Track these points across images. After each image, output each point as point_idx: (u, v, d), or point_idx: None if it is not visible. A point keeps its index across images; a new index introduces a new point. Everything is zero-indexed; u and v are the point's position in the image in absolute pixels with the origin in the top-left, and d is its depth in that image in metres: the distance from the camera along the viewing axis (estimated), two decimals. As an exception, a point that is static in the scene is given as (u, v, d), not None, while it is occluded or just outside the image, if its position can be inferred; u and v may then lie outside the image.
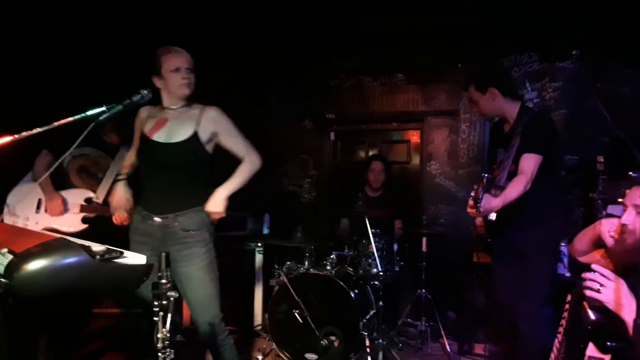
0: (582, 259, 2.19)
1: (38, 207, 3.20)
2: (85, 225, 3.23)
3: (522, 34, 4.20)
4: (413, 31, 4.48)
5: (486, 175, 2.23)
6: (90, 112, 1.90)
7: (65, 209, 3.20)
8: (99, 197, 3.27)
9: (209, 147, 2.39)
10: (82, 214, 3.22)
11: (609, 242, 1.95)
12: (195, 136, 2.31)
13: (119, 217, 2.47)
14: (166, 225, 2.30)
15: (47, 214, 3.17)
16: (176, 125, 2.35)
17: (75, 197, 3.25)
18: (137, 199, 2.43)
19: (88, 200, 3.26)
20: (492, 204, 2.36)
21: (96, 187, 3.30)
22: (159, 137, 2.33)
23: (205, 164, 2.39)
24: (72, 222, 3.22)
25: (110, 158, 3.35)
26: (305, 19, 4.42)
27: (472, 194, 2.24)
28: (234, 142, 2.44)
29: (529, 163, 2.48)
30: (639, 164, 1.63)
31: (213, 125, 2.38)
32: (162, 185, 2.32)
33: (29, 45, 3.93)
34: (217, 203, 2.32)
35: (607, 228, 1.96)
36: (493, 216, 2.58)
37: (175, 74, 2.31)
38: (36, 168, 3.24)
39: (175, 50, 2.36)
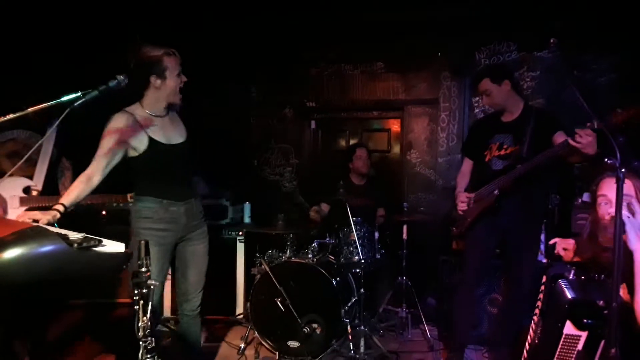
0: None
1: None
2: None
3: (500, 23, 4.24)
4: (393, 21, 4.48)
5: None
6: (65, 98, 1.86)
7: (4, 206, 2.81)
8: (36, 183, 2.98)
9: None
10: (24, 207, 2.89)
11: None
12: (188, 138, 2.62)
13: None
14: (190, 209, 2.60)
15: None
16: (173, 129, 2.57)
17: (11, 188, 2.89)
18: (145, 190, 2.53)
19: (26, 191, 2.94)
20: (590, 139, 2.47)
21: (32, 170, 2.99)
22: (165, 140, 2.51)
23: None
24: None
25: (40, 136, 2.99)
26: (286, 7, 4.38)
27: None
28: None
29: (564, 137, 2.64)
30: (614, 152, 1.66)
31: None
32: (179, 178, 2.59)
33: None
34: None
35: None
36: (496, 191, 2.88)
37: (177, 79, 2.48)
38: None
39: (175, 53, 2.48)
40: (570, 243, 2.28)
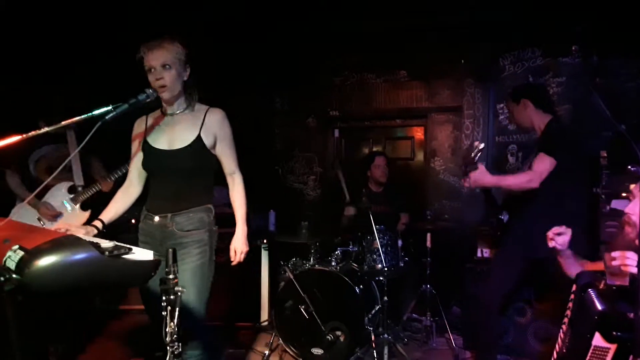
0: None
1: (42, 223, 3.19)
2: (89, 211, 3.27)
3: (525, 29, 4.19)
4: (416, 28, 4.49)
5: (482, 144, 2.36)
6: (96, 112, 1.93)
7: (56, 212, 3.23)
8: (77, 180, 3.23)
9: (214, 150, 2.36)
10: (78, 205, 3.25)
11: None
12: (198, 140, 2.28)
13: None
14: (164, 224, 2.28)
15: (51, 225, 3.15)
16: (178, 130, 2.30)
17: (60, 195, 3.22)
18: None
19: (71, 190, 3.25)
20: (486, 179, 2.43)
21: (71, 177, 3.26)
22: (162, 144, 2.30)
23: (210, 166, 2.37)
24: (74, 218, 3.23)
25: (65, 144, 3.23)
26: (309, 17, 4.43)
27: (464, 158, 2.42)
28: (227, 153, 2.39)
29: (539, 163, 2.57)
30: (637, 158, 1.64)
31: (215, 129, 2.33)
32: (165, 187, 2.31)
33: (33, 44, 3.95)
34: (242, 244, 2.37)
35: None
36: (506, 217, 2.78)
37: (150, 75, 2.20)
38: (15, 191, 3.26)
39: (151, 45, 2.19)
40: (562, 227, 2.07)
